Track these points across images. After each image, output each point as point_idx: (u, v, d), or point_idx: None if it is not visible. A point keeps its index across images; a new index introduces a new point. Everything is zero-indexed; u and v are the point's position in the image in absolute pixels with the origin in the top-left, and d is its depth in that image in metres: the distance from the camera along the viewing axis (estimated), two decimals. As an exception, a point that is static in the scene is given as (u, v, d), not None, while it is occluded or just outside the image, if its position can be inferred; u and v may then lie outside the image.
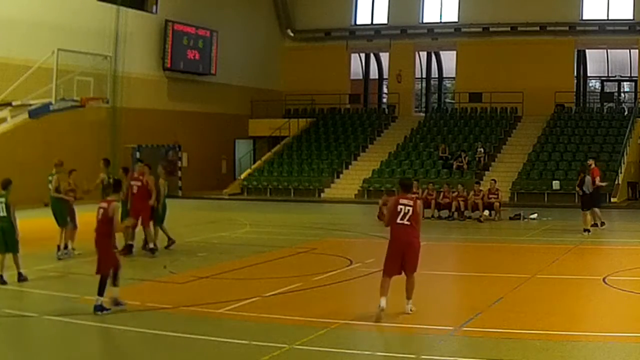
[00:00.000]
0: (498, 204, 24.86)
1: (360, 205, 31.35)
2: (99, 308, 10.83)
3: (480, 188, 25.36)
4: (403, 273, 10.81)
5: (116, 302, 11.10)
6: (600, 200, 22.65)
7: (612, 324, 10.43)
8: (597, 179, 21.40)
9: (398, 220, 10.69)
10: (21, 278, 13.31)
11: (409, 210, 10.66)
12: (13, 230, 13.20)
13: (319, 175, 35.44)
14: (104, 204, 11.20)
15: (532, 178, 32.16)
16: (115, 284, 11.08)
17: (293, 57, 42.68)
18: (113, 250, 11.24)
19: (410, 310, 10.79)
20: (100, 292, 10.86)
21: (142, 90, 33.29)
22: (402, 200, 10.78)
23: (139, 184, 16.53)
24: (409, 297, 10.85)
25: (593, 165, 23.15)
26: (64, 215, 16.07)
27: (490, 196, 24.84)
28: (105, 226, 11.05)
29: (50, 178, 16.19)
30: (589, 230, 20.50)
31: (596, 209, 21.40)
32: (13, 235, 13.20)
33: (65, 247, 16.03)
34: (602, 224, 21.54)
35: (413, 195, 11.39)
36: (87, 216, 17.66)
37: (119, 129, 31.30)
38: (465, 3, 39.92)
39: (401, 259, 10.71)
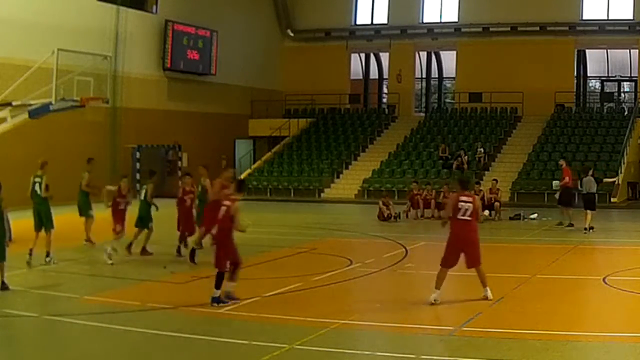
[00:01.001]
0: (498, 204, 24.86)
1: (360, 205, 31.33)
2: (216, 300, 11.22)
3: (481, 188, 25.35)
4: (466, 266, 11.81)
5: (230, 296, 11.42)
6: (573, 201, 22.96)
7: (612, 324, 10.44)
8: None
9: (459, 216, 11.64)
10: (4, 286, 12.68)
11: (469, 206, 11.64)
12: (4, 236, 12.79)
13: (319, 175, 35.43)
14: (228, 202, 11.58)
15: (532, 178, 32.15)
16: (232, 278, 11.45)
17: (293, 57, 42.65)
18: (233, 247, 11.65)
19: (488, 297, 11.61)
20: (217, 286, 11.28)
21: (142, 90, 33.28)
22: (462, 198, 11.73)
23: (192, 195, 16.61)
24: (484, 285, 11.73)
25: (564, 166, 23.35)
26: (49, 219, 15.48)
27: (491, 196, 24.85)
28: (227, 223, 11.50)
29: (38, 180, 15.49)
30: (589, 229, 20.50)
31: (570, 209, 21.57)
32: (3, 242, 12.71)
33: (48, 254, 15.28)
34: (560, 223, 21.68)
35: (471, 192, 12.38)
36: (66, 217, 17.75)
37: (119, 129, 31.28)
38: (465, 3, 39.91)
39: (461, 252, 11.67)
